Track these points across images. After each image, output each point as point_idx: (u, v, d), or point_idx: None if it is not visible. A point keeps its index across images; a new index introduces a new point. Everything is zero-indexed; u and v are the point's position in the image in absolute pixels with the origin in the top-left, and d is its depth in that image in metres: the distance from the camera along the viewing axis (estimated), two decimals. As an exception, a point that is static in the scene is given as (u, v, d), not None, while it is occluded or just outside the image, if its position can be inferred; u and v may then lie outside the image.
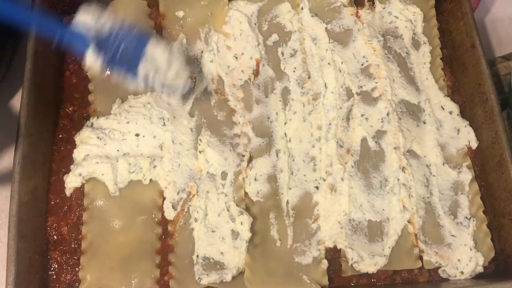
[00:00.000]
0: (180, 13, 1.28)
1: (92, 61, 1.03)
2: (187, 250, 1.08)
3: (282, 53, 1.27)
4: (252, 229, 1.09)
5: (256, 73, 1.24)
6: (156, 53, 1.06)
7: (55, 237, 1.11)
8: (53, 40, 1.02)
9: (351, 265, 1.08)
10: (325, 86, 1.24)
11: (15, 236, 1.00)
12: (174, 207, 1.11)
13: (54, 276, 1.08)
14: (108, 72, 1.07)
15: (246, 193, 1.13)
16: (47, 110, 1.19)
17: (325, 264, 1.08)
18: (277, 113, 1.21)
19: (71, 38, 1.03)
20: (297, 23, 1.30)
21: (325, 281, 1.07)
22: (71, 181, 1.11)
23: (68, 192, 1.12)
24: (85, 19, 1.03)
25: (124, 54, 1.04)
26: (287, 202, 1.13)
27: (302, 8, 1.31)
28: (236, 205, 1.10)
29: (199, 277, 1.04)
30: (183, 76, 1.12)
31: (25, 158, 1.07)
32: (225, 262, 1.06)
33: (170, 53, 1.08)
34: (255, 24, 1.28)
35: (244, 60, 1.25)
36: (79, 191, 1.13)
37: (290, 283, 1.06)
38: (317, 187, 1.14)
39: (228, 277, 1.04)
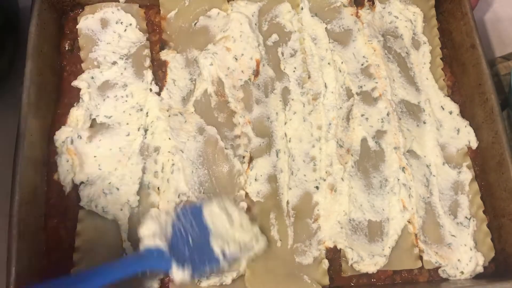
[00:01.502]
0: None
1: (180, 275, 0.96)
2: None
3: (282, 53, 1.27)
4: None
5: (256, 73, 1.24)
6: (214, 217, 1.01)
7: (54, 239, 1.10)
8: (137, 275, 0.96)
9: (351, 265, 1.08)
10: (325, 86, 1.24)
11: (15, 236, 1.00)
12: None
13: (53, 278, 1.08)
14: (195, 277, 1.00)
15: (246, 193, 1.13)
16: (47, 110, 1.19)
17: (326, 264, 1.08)
18: (277, 113, 1.21)
19: (152, 263, 0.96)
20: (297, 23, 1.30)
21: (325, 281, 1.07)
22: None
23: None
24: (152, 229, 0.97)
25: (196, 243, 0.98)
26: (287, 202, 1.13)
27: (302, 8, 1.31)
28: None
29: (198, 280, 1.04)
30: (248, 226, 1.04)
31: (25, 158, 1.07)
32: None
33: (225, 211, 1.02)
34: (255, 24, 1.28)
35: (244, 60, 1.25)
36: (76, 192, 1.13)
37: (291, 283, 1.06)
38: (317, 187, 1.14)
39: (228, 280, 1.04)
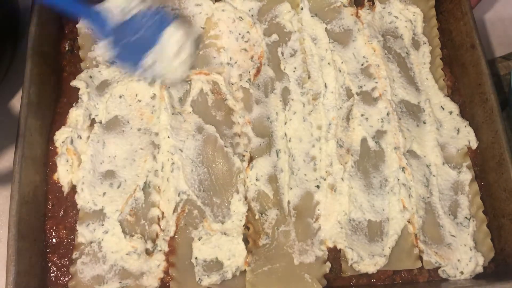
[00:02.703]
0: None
1: (102, 49, 1.07)
2: (188, 252, 1.08)
3: (282, 53, 1.27)
4: (254, 229, 1.09)
5: (257, 71, 1.24)
6: (169, 40, 1.06)
7: (54, 240, 1.11)
8: (75, 16, 1.06)
9: (351, 265, 1.08)
10: (325, 86, 1.24)
11: (15, 235, 1.00)
12: (175, 209, 1.11)
13: (53, 278, 1.08)
14: (111, 62, 1.10)
15: (246, 194, 1.13)
16: (47, 110, 1.19)
17: (328, 267, 1.09)
18: (277, 113, 1.21)
19: (93, 20, 1.05)
20: (297, 23, 1.30)
21: (323, 282, 1.07)
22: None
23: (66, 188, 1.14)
24: (117, 2, 1.05)
25: (138, 42, 1.05)
26: (288, 202, 1.13)
27: (302, 8, 1.31)
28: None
29: (199, 278, 1.04)
30: (185, 68, 1.13)
31: (25, 158, 1.07)
32: (225, 262, 1.07)
33: (184, 41, 1.08)
34: (254, 23, 1.28)
35: (243, 59, 1.25)
36: (75, 192, 1.13)
37: (291, 282, 1.06)
38: (317, 186, 1.14)
39: (228, 275, 1.05)
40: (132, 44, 1.07)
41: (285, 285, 1.06)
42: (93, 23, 1.08)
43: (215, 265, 1.07)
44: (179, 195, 1.11)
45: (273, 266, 1.08)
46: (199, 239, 1.07)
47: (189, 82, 1.23)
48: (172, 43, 1.08)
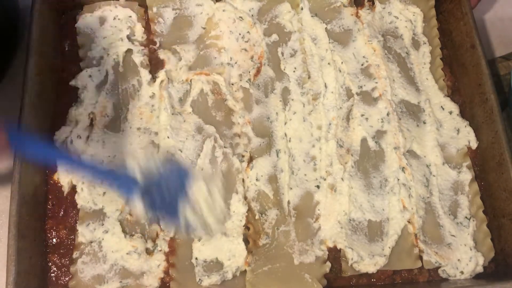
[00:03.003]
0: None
1: (138, 209, 0.96)
2: (188, 252, 1.08)
3: (282, 53, 1.27)
4: (254, 230, 1.09)
5: (257, 71, 1.24)
6: (197, 192, 0.99)
7: (54, 240, 1.11)
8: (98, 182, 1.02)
9: (351, 265, 1.08)
10: (325, 86, 1.24)
11: (15, 235, 1.00)
12: None
13: (54, 278, 1.08)
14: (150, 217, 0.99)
15: (246, 193, 1.13)
16: (47, 110, 1.19)
17: (328, 267, 1.09)
18: (277, 113, 1.21)
19: (120, 183, 0.97)
20: (297, 23, 1.30)
21: (323, 282, 1.07)
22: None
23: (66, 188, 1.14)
24: (140, 164, 0.98)
25: (168, 199, 0.98)
26: (288, 202, 1.13)
27: (302, 8, 1.31)
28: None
29: (199, 279, 1.04)
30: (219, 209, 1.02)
31: (25, 158, 1.07)
32: (225, 262, 1.07)
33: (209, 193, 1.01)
34: (254, 23, 1.28)
35: (243, 59, 1.25)
36: (75, 192, 1.12)
37: (292, 282, 1.06)
38: (317, 186, 1.14)
39: (229, 275, 1.05)
40: (165, 199, 0.99)
41: (285, 285, 1.06)
42: (122, 184, 0.98)
43: (215, 265, 1.06)
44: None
45: (273, 266, 1.08)
46: (199, 240, 1.07)
47: (190, 82, 1.23)
48: (201, 188, 1.00)
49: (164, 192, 0.98)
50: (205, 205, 0.99)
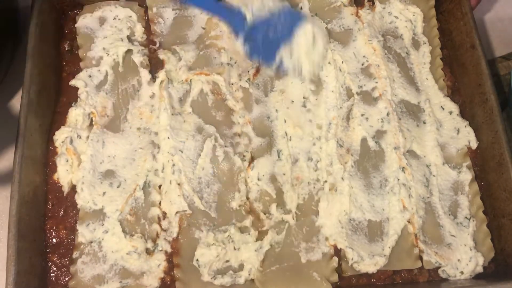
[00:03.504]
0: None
1: (239, 45, 1.17)
2: (192, 252, 1.08)
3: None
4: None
5: (256, 70, 1.24)
6: (305, 33, 1.14)
7: (54, 240, 1.11)
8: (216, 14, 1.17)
9: (351, 265, 1.08)
10: (326, 86, 1.24)
11: (15, 235, 1.00)
12: (177, 210, 1.11)
13: (53, 278, 1.08)
14: (249, 55, 1.17)
15: (249, 194, 1.13)
16: (47, 110, 1.19)
17: (335, 261, 1.09)
18: (276, 110, 1.21)
19: (232, 17, 1.15)
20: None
21: (335, 277, 1.08)
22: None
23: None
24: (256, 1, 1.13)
25: (274, 37, 1.14)
26: (291, 201, 1.13)
27: (301, 8, 1.31)
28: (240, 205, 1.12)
29: (213, 276, 1.05)
30: (321, 59, 1.20)
31: (25, 158, 1.07)
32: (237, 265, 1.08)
33: (317, 35, 1.16)
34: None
35: (243, 59, 1.25)
36: (75, 192, 1.13)
37: (300, 281, 1.07)
38: (318, 186, 1.14)
39: (241, 280, 1.05)
40: (267, 40, 1.15)
41: (294, 284, 1.06)
42: (232, 21, 1.16)
43: (228, 268, 1.07)
44: (181, 196, 1.11)
45: (281, 265, 1.08)
46: (207, 245, 1.07)
47: (189, 82, 1.23)
48: (308, 36, 1.15)
49: (269, 31, 1.14)
50: (305, 49, 1.15)
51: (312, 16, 1.30)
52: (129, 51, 1.24)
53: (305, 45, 1.16)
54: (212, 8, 1.18)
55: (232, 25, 1.17)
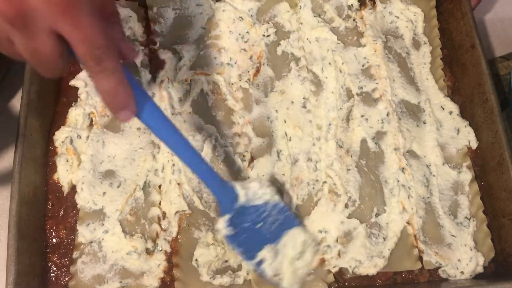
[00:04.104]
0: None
1: (221, 227, 0.98)
2: (191, 252, 1.08)
3: (282, 53, 1.27)
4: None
5: (256, 71, 1.24)
6: (294, 240, 1.01)
7: (54, 239, 1.11)
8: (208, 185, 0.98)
9: (352, 271, 1.08)
10: (325, 87, 1.24)
11: (15, 235, 1.00)
12: (177, 210, 1.11)
13: (53, 278, 1.08)
14: (228, 239, 1.01)
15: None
16: (47, 110, 1.19)
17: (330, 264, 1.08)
18: (276, 110, 1.21)
19: (221, 191, 0.98)
20: (296, 23, 1.30)
21: (330, 278, 1.08)
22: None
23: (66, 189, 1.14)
24: (252, 186, 1.00)
25: (260, 231, 0.99)
26: (290, 202, 1.13)
27: (300, 8, 1.31)
28: None
29: (212, 276, 1.05)
30: (303, 274, 1.03)
31: (25, 158, 1.07)
32: (236, 265, 1.07)
33: (306, 247, 1.02)
34: (254, 23, 1.28)
35: (243, 59, 1.25)
36: (75, 192, 1.12)
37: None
38: (317, 187, 1.14)
39: (240, 280, 1.05)
40: (253, 232, 1.00)
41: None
42: (222, 196, 0.99)
43: (227, 268, 1.07)
44: (181, 196, 1.11)
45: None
46: (207, 245, 1.07)
47: (189, 82, 1.23)
48: (297, 243, 1.02)
49: (258, 222, 0.99)
50: (290, 258, 1.00)
51: (314, 16, 1.30)
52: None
53: (292, 252, 1.01)
54: (206, 175, 0.96)
55: (220, 200, 0.99)
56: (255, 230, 1.00)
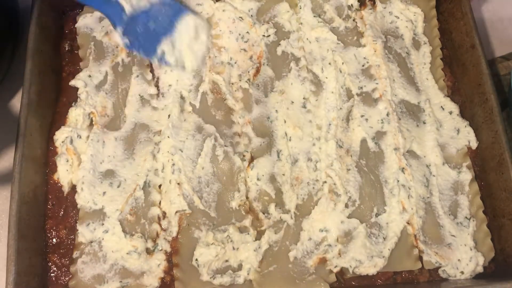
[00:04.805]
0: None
1: (118, 39, 1.13)
2: (191, 252, 1.08)
3: (282, 53, 1.27)
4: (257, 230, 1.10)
5: (256, 71, 1.24)
6: (187, 26, 1.13)
7: (54, 239, 1.11)
8: (94, 5, 1.12)
9: (352, 271, 1.08)
10: (326, 87, 1.24)
11: (15, 235, 1.00)
12: (177, 210, 1.11)
13: (54, 278, 1.08)
14: (128, 47, 1.15)
15: (248, 193, 1.13)
16: (47, 110, 1.19)
17: (332, 264, 1.08)
18: (276, 110, 1.21)
19: (110, 9, 1.11)
20: (295, 23, 1.30)
21: (332, 278, 1.08)
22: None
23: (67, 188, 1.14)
24: None
25: (154, 30, 1.12)
26: (290, 201, 1.13)
27: (300, 8, 1.31)
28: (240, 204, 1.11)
29: (212, 275, 1.05)
30: (204, 49, 1.18)
31: (25, 158, 1.07)
32: (236, 265, 1.07)
33: (199, 27, 1.16)
34: (254, 23, 1.28)
35: (243, 59, 1.25)
36: (75, 192, 1.13)
37: (298, 282, 1.06)
38: (317, 187, 1.14)
39: (240, 280, 1.05)
40: (148, 32, 1.13)
41: (292, 285, 1.06)
42: (109, 13, 1.13)
43: (228, 268, 1.07)
44: (181, 196, 1.11)
45: (278, 265, 1.08)
46: (207, 245, 1.07)
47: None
48: (190, 28, 1.15)
49: (149, 23, 1.12)
50: (187, 42, 1.14)
51: (315, 16, 1.30)
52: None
53: (187, 37, 1.15)
54: None
55: (109, 17, 1.14)
56: (150, 31, 1.12)
